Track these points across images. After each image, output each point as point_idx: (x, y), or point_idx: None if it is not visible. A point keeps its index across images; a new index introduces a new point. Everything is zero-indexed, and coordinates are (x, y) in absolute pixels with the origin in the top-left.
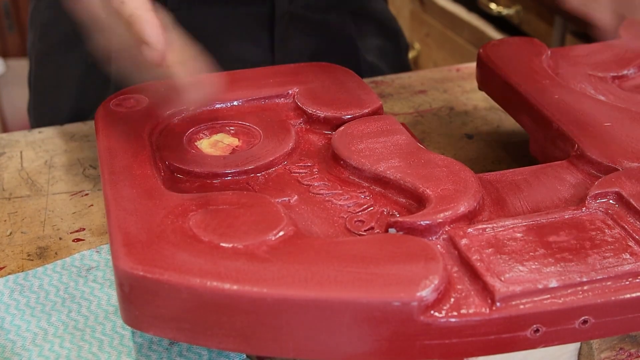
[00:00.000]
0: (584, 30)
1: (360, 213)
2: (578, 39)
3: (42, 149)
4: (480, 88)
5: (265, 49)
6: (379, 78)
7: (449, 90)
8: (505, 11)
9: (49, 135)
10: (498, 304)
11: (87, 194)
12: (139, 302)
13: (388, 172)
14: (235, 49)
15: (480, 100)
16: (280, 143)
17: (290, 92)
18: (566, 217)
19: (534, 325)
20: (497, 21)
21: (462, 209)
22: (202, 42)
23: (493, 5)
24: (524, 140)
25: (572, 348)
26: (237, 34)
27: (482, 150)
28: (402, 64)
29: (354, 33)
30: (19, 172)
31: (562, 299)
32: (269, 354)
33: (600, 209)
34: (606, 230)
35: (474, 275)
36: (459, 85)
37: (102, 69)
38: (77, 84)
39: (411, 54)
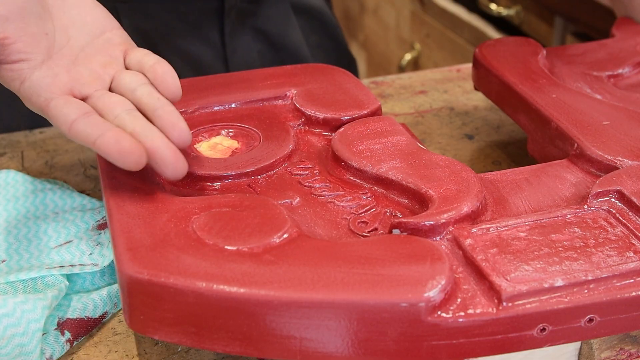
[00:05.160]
0: (584, 31)
1: (363, 214)
2: (578, 40)
3: (43, 149)
4: (477, 88)
5: (214, 44)
6: (380, 78)
7: (450, 91)
8: (505, 12)
9: (50, 136)
10: (505, 303)
11: (88, 195)
12: (144, 306)
13: (390, 172)
14: (185, 46)
15: (480, 100)
16: (280, 145)
17: (288, 93)
18: (569, 216)
19: (541, 325)
20: (498, 22)
21: (466, 209)
22: (151, 39)
23: (493, 6)
24: (524, 140)
25: (572, 348)
26: (187, 30)
27: (482, 150)
28: (344, 58)
29: (296, 27)
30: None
31: (568, 297)
32: (276, 356)
33: (603, 207)
34: (609, 229)
35: (480, 275)
36: (459, 86)
37: None
38: None
39: (411, 55)
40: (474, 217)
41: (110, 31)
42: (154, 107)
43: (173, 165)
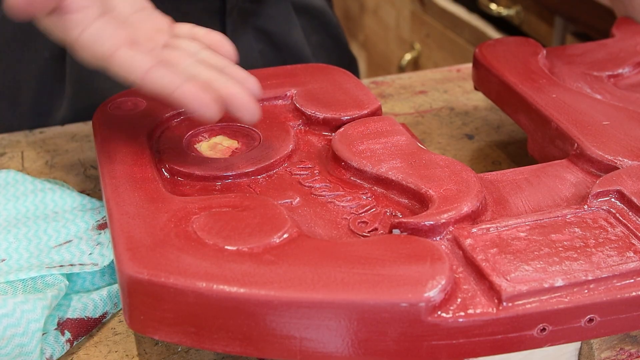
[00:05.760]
0: (584, 31)
1: (363, 214)
2: (578, 40)
3: (43, 149)
4: (477, 88)
5: None
6: (380, 78)
7: (450, 91)
8: (505, 12)
9: (50, 136)
10: (505, 303)
11: (88, 195)
12: (144, 306)
13: (390, 173)
14: None
15: (480, 100)
16: (280, 145)
17: (288, 93)
18: (569, 216)
19: (541, 325)
20: (498, 22)
21: (466, 209)
22: None
23: (493, 6)
24: (524, 140)
25: (572, 348)
26: None
27: (482, 150)
28: (345, 58)
29: (298, 27)
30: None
31: (568, 297)
32: (276, 356)
33: (603, 207)
34: (609, 229)
35: (480, 275)
36: (459, 86)
37: (58, 63)
38: (36, 81)
39: (411, 55)
40: (474, 217)
41: (149, 7)
42: (221, 65)
43: (252, 109)
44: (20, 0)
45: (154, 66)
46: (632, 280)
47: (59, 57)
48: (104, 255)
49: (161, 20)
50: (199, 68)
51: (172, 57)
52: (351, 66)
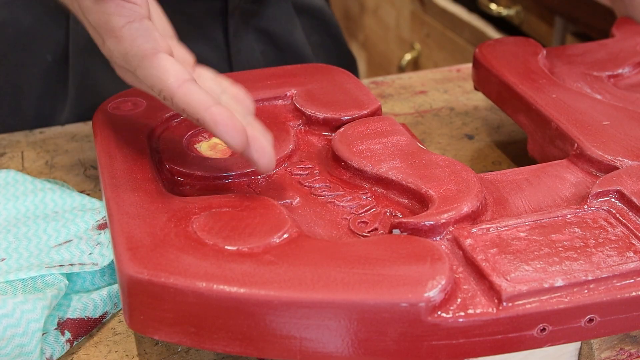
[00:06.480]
0: (584, 31)
1: (363, 214)
2: (578, 40)
3: (43, 150)
4: (477, 88)
5: (218, 45)
6: (380, 78)
7: (450, 91)
8: (505, 12)
9: (50, 136)
10: (505, 303)
11: (88, 195)
12: (144, 306)
13: (390, 173)
14: (189, 47)
15: (480, 100)
16: (280, 145)
17: (288, 94)
18: (569, 216)
19: (541, 325)
20: (498, 22)
21: (466, 209)
22: None
23: (493, 6)
24: (524, 140)
25: (572, 348)
26: (192, 31)
27: (482, 150)
28: (344, 57)
29: (299, 27)
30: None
31: (568, 297)
32: (276, 356)
33: (603, 207)
34: (609, 229)
35: (480, 275)
36: (459, 86)
37: (61, 67)
38: (38, 84)
39: (411, 55)
40: (474, 217)
41: (175, 39)
42: (242, 114)
43: (270, 157)
44: None
45: (191, 80)
46: (632, 280)
47: (62, 61)
48: (104, 255)
49: (187, 55)
50: (229, 102)
51: (203, 86)
52: (351, 66)
